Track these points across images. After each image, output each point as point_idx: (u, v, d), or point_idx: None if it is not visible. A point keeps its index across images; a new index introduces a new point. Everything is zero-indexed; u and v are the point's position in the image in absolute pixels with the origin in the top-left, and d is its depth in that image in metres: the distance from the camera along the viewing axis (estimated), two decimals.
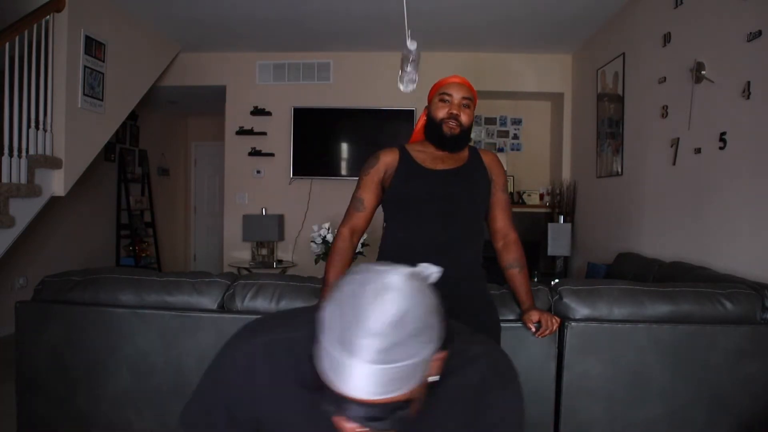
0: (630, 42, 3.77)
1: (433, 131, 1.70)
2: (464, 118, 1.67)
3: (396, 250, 1.70)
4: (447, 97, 1.68)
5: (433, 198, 1.67)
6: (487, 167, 1.77)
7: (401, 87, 2.24)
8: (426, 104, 1.78)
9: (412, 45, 2.12)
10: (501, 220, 1.78)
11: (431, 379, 0.76)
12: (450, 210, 1.67)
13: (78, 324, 1.93)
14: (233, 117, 5.36)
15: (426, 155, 1.73)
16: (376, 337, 0.67)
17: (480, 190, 1.74)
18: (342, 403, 0.70)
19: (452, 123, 1.66)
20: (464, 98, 1.68)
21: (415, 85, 2.16)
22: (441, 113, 1.68)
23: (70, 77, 3.51)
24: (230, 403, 0.91)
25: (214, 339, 1.88)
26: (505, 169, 1.90)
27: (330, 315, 0.72)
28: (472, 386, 0.89)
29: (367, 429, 0.72)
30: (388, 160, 1.71)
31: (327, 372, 0.71)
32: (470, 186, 1.72)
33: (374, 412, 0.70)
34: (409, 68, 2.11)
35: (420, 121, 1.81)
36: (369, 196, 1.73)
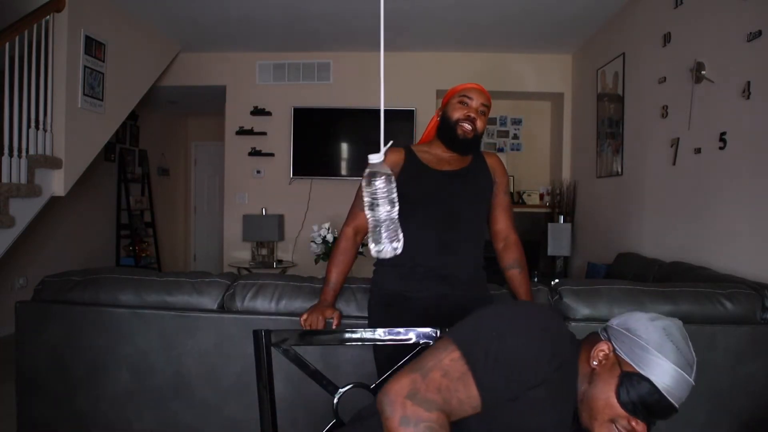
0: (630, 42, 3.77)
1: (447, 131, 1.72)
2: (479, 124, 1.70)
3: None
4: (467, 100, 1.70)
5: (437, 198, 1.68)
6: (490, 169, 1.79)
7: (373, 249, 1.08)
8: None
9: (375, 158, 1.03)
10: (502, 222, 1.79)
11: None
12: (453, 211, 1.68)
13: (78, 324, 1.93)
14: (233, 117, 5.36)
15: (432, 156, 1.75)
16: (695, 360, 0.94)
17: (483, 191, 1.75)
18: (648, 402, 0.90)
19: (467, 125, 1.68)
20: (483, 105, 1.71)
21: (400, 245, 1.09)
22: (458, 114, 1.69)
23: (70, 77, 3.51)
24: (539, 371, 0.92)
25: (214, 339, 1.88)
26: (506, 169, 1.91)
27: (646, 339, 0.94)
28: None
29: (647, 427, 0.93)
30: (394, 159, 1.72)
31: (655, 376, 0.91)
32: (473, 187, 1.73)
33: (672, 413, 0.91)
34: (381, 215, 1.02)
35: (431, 122, 1.83)
36: None
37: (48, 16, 3.35)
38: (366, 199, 0.97)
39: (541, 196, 5.35)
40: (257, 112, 5.27)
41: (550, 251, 4.54)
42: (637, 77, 3.65)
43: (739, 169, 2.52)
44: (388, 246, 0.94)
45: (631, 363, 0.91)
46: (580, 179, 4.82)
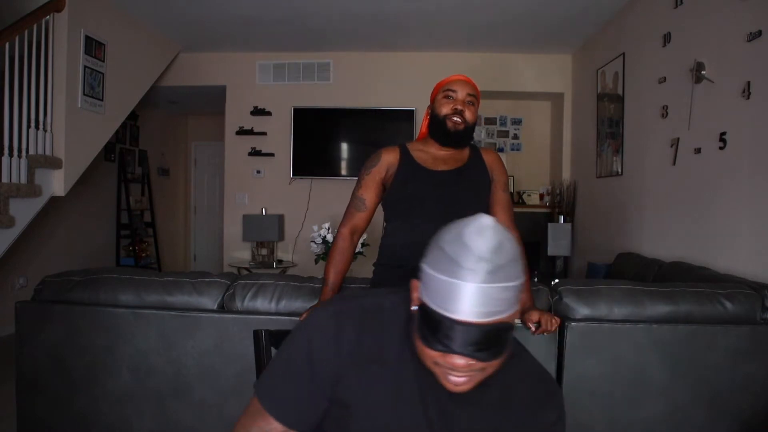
0: (630, 42, 3.77)
1: (437, 127, 1.70)
2: (468, 115, 1.67)
3: (397, 250, 1.70)
4: (452, 94, 1.67)
5: (434, 199, 1.67)
6: (488, 166, 1.77)
7: None
8: (427, 104, 1.78)
9: None
10: (501, 219, 1.77)
11: (516, 321, 0.86)
12: (451, 210, 1.66)
13: (78, 324, 1.93)
14: (233, 117, 5.36)
15: (427, 155, 1.73)
16: (484, 261, 0.75)
17: (481, 190, 1.74)
18: (451, 333, 0.77)
19: (457, 119, 1.65)
20: (469, 95, 1.68)
21: None
22: (445, 109, 1.67)
23: (70, 77, 3.51)
24: (314, 358, 0.90)
25: (214, 339, 1.88)
26: (504, 166, 1.90)
27: (434, 256, 0.80)
28: (523, 395, 0.94)
29: (474, 361, 0.78)
30: (389, 159, 1.71)
31: (437, 303, 0.78)
32: (471, 186, 1.72)
33: (483, 336, 0.77)
34: None
35: (424, 122, 1.81)
36: (370, 196, 1.72)
37: (48, 16, 3.35)
38: None
39: (541, 196, 5.35)
40: (257, 112, 5.27)
41: (550, 251, 4.54)
42: (637, 77, 3.65)
43: (739, 169, 2.52)
44: None
45: (424, 296, 0.81)
46: (580, 179, 4.82)
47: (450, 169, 1.71)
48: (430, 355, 0.81)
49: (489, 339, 0.77)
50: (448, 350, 0.77)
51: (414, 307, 0.85)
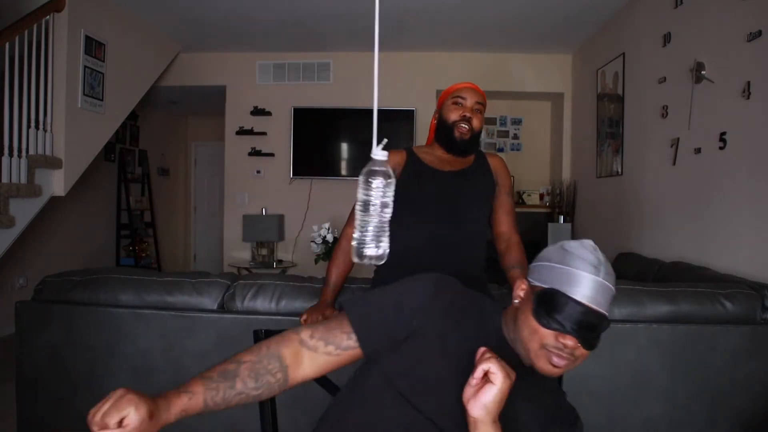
0: (630, 42, 3.77)
1: (444, 134, 1.73)
2: (476, 123, 1.71)
3: (399, 250, 1.70)
4: (461, 101, 1.71)
5: (439, 198, 1.68)
6: (493, 170, 1.80)
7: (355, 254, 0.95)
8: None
9: (380, 155, 0.94)
10: (505, 224, 1.79)
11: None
12: (454, 211, 1.68)
13: (78, 324, 1.93)
14: (233, 117, 5.36)
15: (433, 158, 1.76)
16: (602, 264, 0.91)
17: (484, 192, 1.76)
18: (572, 313, 0.88)
19: (464, 127, 1.69)
20: (477, 103, 1.71)
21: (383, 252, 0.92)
22: (454, 116, 1.70)
23: (70, 77, 3.51)
24: (403, 302, 0.97)
25: (214, 339, 1.88)
26: (509, 171, 1.91)
27: (556, 254, 0.94)
28: (549, 402, 1.02)
29: (579, 345, 0.89)
30: (396, 159, 1.74)
31: (563, 287, 0.90)
32: (475, 187, 1.74)
33: (592, 323, 0.89)
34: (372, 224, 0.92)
35: (431, 129, 1.84)
36: None
37: (48, 16, 3.35)
38: (360, 197, 0.93)
39: (541, 196, 5.35)
40: (257, 112, 5.27)
41: None
42: (637, 77, 3.65)
43: (739, 169, 2.52)
44: (373, 250, 0.91)
45: (541, 284, 0.93)
46: (580, 179, 4.82)
47: (455, 170, 1.73)
48: (543, 336, 0.90)
49: (595, 327, 0.89)
50: (564, 330, 0.88)
51: (516, 301, 0.98)
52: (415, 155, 1.76)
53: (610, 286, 0.91)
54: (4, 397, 2.54)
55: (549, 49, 4.98)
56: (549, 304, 0.90)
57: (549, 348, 0.90)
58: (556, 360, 0.90)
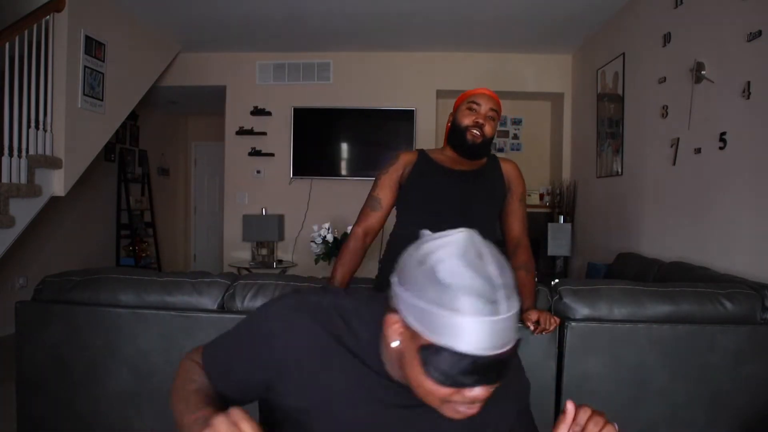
0: (630, 42, 3.77)
1: (457, 137, 1.75)
2: (488, 129, 1.73)
3: (406, 244, 1.70)
4: (475, 106, 1.73)
5: (448, 195, 1.71)
6: (504, 175, 1.83)
7: None
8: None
9: None
10: (517, 230, 1.83)
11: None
12: (463, 209, 1.70)
13: (78, 324, 1.93)
14: (233, 117, 5.36)
15: (445, 158, 1.79)
16: (500, 288, 0.70)
17: (494, 193, 1.79)
18: (472, 368, 0.69)
19: (476, 132, 1.71)
20: (491, 110, 1.74)
21: None
22: (467, 120, 1.73)
23: (70, 77, 3.51)
24: (256, 353, 0.89)
25: None
26: (522, 177, 1.93)
27: (430, 284, 0.71)
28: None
29: (488, 391, 0.73)
30: (408, 158, 1.78)
31: (446, 340, 0.69)
32: (485, 188, 1.76)
33: (505, 361, 0.71)
34: None
35: (447, 129, 1.87)
36: (386, 196, 1.76)
37: (48, 16, 3.35)
38: None
39: (541, 196, 5.34)
40: (257, 112, 5.27)
41: (550, 251, 4.54)
42: (637, 77, 3.65)
43: (739, 169, 2.52)
44: None
45: (422, 333, 0.71)
46: (580, 179, 4.82)
47: (467, 170, 1.76)
48: (442, 393, 0.73)
49: (503, 364, 0.72)
50: (465, 385, 0.71)
51: (394, 343, 0.77)
52: (426, 155, 1.80)
53: (514, 312, 0.71)
54: (4, 397, 2.54)
55: (549, 49, 4.98)
56: (439, 362, 0.70)
57: (453, 400, 0.74)
58: (466, 411, 0.75)
